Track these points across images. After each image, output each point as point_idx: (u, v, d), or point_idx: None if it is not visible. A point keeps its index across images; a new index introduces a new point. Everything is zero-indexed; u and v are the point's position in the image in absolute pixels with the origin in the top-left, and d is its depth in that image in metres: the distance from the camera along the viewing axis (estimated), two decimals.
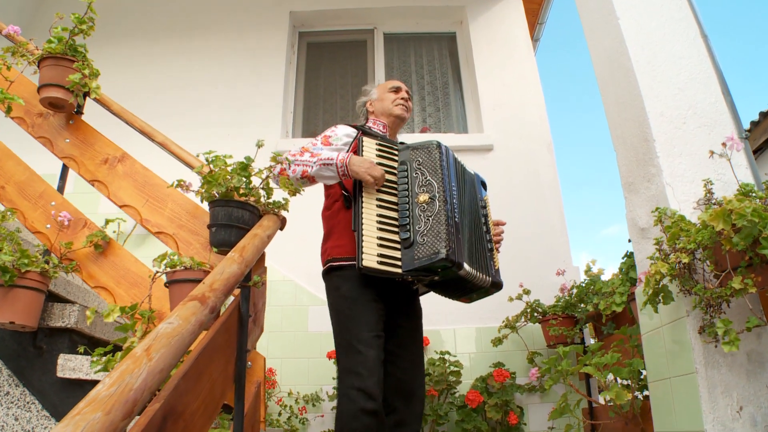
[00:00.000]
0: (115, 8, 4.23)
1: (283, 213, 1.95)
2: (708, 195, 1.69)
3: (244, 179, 1.79)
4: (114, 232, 3.29)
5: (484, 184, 2.19)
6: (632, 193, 2.00)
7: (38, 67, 1.98)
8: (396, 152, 1.95)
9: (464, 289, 1.88)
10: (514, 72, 3.96)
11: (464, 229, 1.88)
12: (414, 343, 1.95)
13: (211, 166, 1.76)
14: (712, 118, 1.89)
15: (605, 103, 2.20)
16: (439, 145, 1.93)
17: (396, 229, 1.78)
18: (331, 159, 1.85)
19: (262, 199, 1.89)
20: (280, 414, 2.99)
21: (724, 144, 1.49)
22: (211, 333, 1.32)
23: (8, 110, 1.85)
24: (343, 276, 1.84)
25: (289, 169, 1.88)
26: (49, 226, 1.95)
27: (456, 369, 3.02)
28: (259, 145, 1.69)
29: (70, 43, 1.99)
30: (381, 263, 1.69)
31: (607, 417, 2.32)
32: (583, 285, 2.78)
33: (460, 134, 3.97)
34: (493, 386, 2.94)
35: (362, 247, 1.69)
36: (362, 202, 1.78)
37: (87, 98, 2.09)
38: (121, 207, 1.97)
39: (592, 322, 2.81)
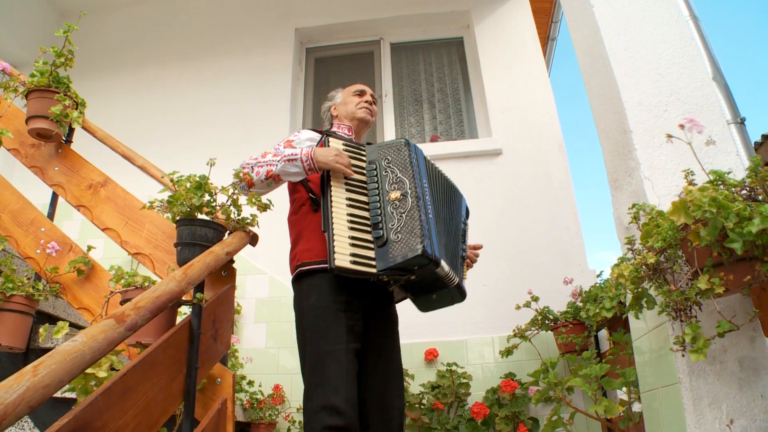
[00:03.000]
0: (126, 39, 4.45)
1: (255, 229, 1.96)
2: (691, 187, 1.56)
3: (208, 197, 1.80)
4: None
5: (467, 210, 2.12)
6: (617, 189, 1.87)
7: (26, 99, 2.09)
8: (363, 152, 1.89)
9: (434, 290, 1.79)
10: (522, 73, 3.84)
11: (439, 225, 1.80)
12: (390, 352, 1.86)
13: (176, 186, 1.79)
14: (698, 104, 1.75)
15: (589, 96, 2.08)
16: (407, 142, 1.86)
17: (368, 229, 1.70)
18: (295, 154, 1.78)
19: (233, 216, 1.91)
20: (289, 430, 2.98)
21: (681, 126, 1.35)
22: (149, 349, 1.32)
23: None
24: (313, 284, 1.75)
25: (253, 172, 1.83)
26: (38, 251, 2.03)
27: (465, 381, 2.92)
28: (211, 164, 1.70)
29: (54, 75, 2.08)
30: (354, 263, 1.60)
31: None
32: (594, 289, 2.63)
33: (466, 140, 3.88)
34: (504, 397, 2.81)
35: (334, 246, 1.61)
36: (331, 202, 1.71)
37: (76, 127, 2.19)
38: (103, 230, 2.03)
39: (607, 329, 2.65)
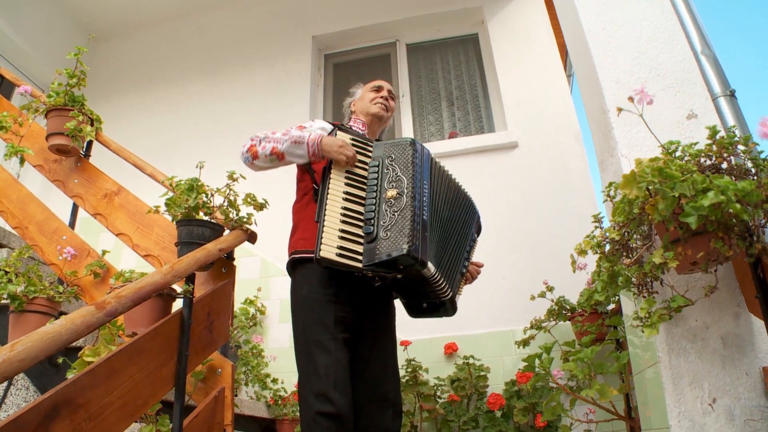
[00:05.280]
0: (152, 57, 4.73)
1: (253, 228, 2.05)
2: (642, 158, 1.53)
3: (204, 198, 1.92)
4: None
5: (479, 227, 2.10)
6: (604, 171, 1.85)
7: (46, 118, 2.28)
8: (370, 148, 1.89)
9: (424, 295, 1.78)
10: (536, 65, 3.80)
11: (434, 229, 1.78)
12: (385, 346, 1.87)
13: (175, 189, 1.92)
14: (678, 78, 1.70)
15: (578, 80, 2.06)
16: (413, 142, 1.86)
17: (361, 224, 1.71)
18: (302, 137, 1.82)
19: (231, 215, 2.01)
20: None
21: (631, 98, 1.33)
22: (137, 337, 1.43)
23: (21, 161, 2.15)
24: (306, 274, 1.80)
25: (259, 145, 1.87)
26: (61, 257, 2.21)
27: (483, 374, 2.92)
28: (200, 167, 1.80)
29: (69, 95, 2.27)
30: (340, 255, 1.62)
31: None
32: (594, 274, 2.57)
33: (482, 134, 3.87)
34: (523, 389, 2.79)
35: (322, 237, 1.64)
36: (328, 194, 1.74)
37: (92, 140, 2.37)
38: (117, 235, 2.18)
39: None
